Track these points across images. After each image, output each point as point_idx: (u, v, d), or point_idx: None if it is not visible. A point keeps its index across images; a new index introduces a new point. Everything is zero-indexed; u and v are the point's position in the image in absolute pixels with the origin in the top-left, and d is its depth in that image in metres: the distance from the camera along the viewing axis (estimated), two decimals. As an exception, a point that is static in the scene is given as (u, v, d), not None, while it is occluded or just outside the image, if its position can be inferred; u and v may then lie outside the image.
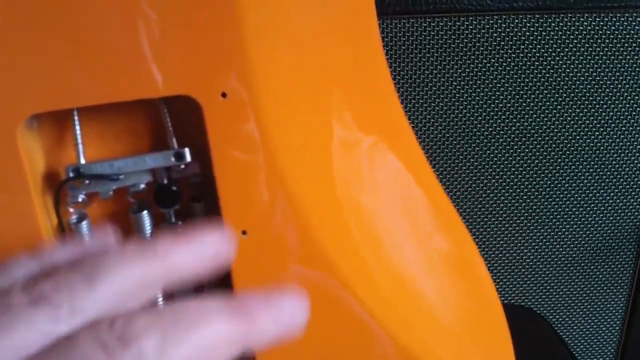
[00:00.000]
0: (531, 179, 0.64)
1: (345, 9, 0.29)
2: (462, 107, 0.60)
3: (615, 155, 0.63)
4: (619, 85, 0.61)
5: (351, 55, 0.30)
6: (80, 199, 0.27)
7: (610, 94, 0.61)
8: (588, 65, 0.59)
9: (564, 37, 0.58)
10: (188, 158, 0.27)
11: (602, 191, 0.65)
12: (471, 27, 0.57)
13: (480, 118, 0.61)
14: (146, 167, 0.27)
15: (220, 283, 0.29)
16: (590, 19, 0.58)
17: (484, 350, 0.35)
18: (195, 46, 0.24)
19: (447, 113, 0.60)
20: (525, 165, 0.63)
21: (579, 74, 0.60)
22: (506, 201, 0.64)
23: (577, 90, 0.60)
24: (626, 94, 0.61)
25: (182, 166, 0.27)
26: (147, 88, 0.25)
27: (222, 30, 0.24)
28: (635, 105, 0.61)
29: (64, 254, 0.20)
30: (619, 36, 0.58)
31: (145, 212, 0.28)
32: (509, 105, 0.60)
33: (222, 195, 0.26)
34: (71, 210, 0.27)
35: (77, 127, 0.26)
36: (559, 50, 0.59)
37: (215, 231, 0.20)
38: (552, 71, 0.59)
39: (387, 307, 0.30)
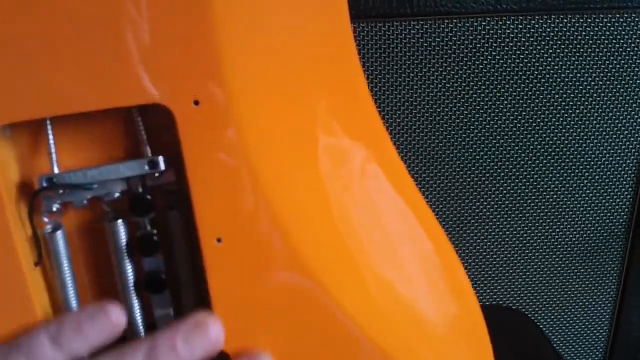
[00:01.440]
0: (518, 181, 0.64)
1: (318, 12, 0.29)
2: (447, 110, 0.60)
3: (602, 156, 0.64)
4: (604, 86, 0.61)
5: (327, 59, 0.30)
6: (54, 209, 0.27)
7: (595, 95, 0.61)
8: (572, 67, 0.60)
9: (548, 38, 0.58)
10: (162, 166, 0.27)
11: (589, 192, 0.65)
12: (455, 29, 0.57)
13: (466, 120, 0.61)
14: (120, 175, 0.26)
15: (196, 291, 0.29)
16: (573, 20, 0.58)
17: (467, 355, 0.35)
18: (167, 53, 0.24)
19: (433, 115, 0.60)
20: (512, 167, 0.63)
21: (564, 75, 0.60)
22: (493, 202, 0.65)
23: (562, 92, 0.61)
24: (610, 94, 0.61)
25: (157, 174, 0.27)
26: (118, 97, 0.25)
27: (194, 36, 0.24)
28: (619, 106, 0.62)
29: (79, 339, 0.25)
30: (603, 37, 0.59)
31: (120, 221, 0.27)
32: (494, 107, 0.61)
33: (196, 202, 0.26)
34: (45, 220, 0.27)
35: (50, 137, 0.26)
36: (543, 51, 0.59)
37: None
38: (536, 72, 0.59)
39: (372, 314, 0.30)
